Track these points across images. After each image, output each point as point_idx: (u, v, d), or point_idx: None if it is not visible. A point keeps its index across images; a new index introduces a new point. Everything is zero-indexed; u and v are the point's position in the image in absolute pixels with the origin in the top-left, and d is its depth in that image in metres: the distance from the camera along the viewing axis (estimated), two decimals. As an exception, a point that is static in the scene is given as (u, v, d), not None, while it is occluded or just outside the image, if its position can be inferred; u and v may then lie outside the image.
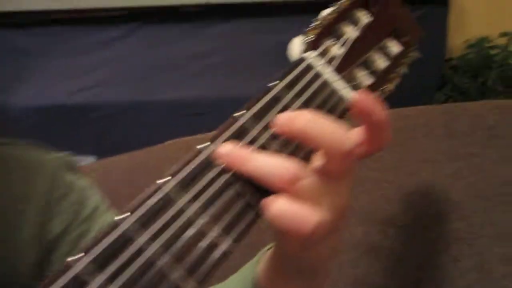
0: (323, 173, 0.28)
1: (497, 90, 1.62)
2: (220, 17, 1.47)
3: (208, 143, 0.28)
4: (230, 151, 0.27)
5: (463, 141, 0.74)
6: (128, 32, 1.47)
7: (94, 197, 0.50)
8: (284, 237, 0.31)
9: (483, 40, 1.59)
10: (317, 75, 0.33)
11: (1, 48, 1.43)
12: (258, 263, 0.39)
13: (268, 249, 0.39)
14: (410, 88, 1.54)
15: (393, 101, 0.91)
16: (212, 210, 0.26)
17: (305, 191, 0.27)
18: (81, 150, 0.54)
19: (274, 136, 0.29)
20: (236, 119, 0.29)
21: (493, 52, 1.58)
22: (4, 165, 0.46)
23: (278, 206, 0.26)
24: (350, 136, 0.29)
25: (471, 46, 1.62)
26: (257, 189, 0.27)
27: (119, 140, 1.42)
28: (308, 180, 0.27)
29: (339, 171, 0.28)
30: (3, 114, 1.38)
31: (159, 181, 0.25)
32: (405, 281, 0.64)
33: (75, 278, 0.22)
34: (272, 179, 0.26)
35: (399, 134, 0.78)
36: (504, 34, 1.57)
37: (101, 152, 0.95)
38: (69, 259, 0.22)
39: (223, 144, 0.27)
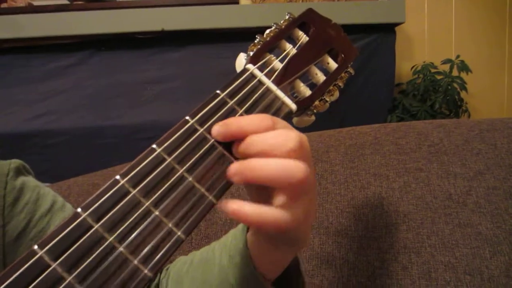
0: None
1: (444, 113, 1.71)
2: (175, 43, 1.49)
3: (155, 145, 0.30)
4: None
5: (411, 157, 0.77)
6: (83, 59, 1.46)
7: (49, 194, 0.52)
8: None
9: (428, 66, 1.69)
10: (260, 82, 0.36)
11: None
12: (245, 232, 0.43)
13: None
14: (364, 111, 1.61)
15: (349, 122, 0.95)
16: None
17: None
18: (37, 176, 0.54)
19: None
20: (186, 122, 0.31)
21: (438, 77, 1.68)
22: None
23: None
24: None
25: (417, 72, 1.70)
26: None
27: (75, 165, 1.39)
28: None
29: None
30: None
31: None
32: (358, 290, 0.66)
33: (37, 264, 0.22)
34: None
35: (351, 150, 0.81)
36: (446, 61, 1.67)
37: (58, 178, 0.94)
38: (29, 250, 0.23)
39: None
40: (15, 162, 0.53)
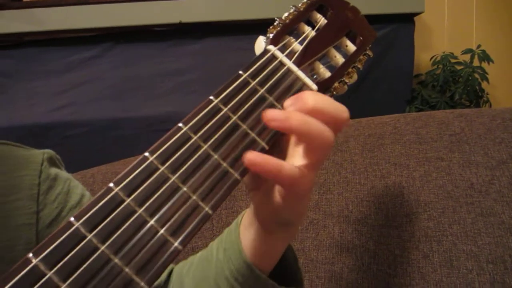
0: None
1: (464, 105, 1.68)
2: (192, 35, 1.50)
3: (181, 124, 0.31)
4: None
5: (431, 146, 0.77)
6: (103, 52, 1.48)
7: (79, 187, 0.54)
8: (269, 194, 0.36)
9: (448, 56, 1.66)
10: (281, 63, 0.37)
11: (-26, 71, 1.42)
12: (239, 225, 0.44)
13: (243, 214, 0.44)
14: (382, 102, 1.60)
15: (367, 114, 0.95)
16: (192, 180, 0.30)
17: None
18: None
19: (243, 117, 0.33)
20: (210, 101, 0.32)
21: (458, 67, 1.65)
22: None
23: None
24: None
25: (437, 62, 1.68)
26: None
27: (94, 156, 1.42)
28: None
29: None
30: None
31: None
32: (379, 277, 0.66)
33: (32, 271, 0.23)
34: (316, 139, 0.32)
35: (370, 140, 0.81)
36: (467, 51, 1.64)
37: (77, 168, 0.96)
38: (66, 222, 0.24)
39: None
40: (48, 153, 0.55)
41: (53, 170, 0.53)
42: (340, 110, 0.34)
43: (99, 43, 1.47)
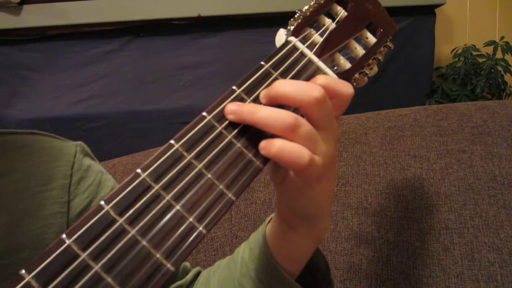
0: (311, 123, 0.33)
1: (485, 98, 1.65)
2: (211, 29, 1.50)
3: (205, 113, 0.32)
4: (238, 105, 0.32)
5: (452, 138, 0.76)
6: (123, 45, 1.50)
7: (111, 180, 0.56)
8: (285, 182, 0.36)
9: (470, 48, 1.63)
10: (302, 54, 0.37)
11: (0, 64, 1.46)
12: (265, 225, 0.44)
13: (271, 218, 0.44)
14: (401, 96, 1.58)
15: (386, 107, 0.94)
16: (216, 168, 0.30)
17: (302, 135, 0.31)
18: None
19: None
20: (233, 91, 0.32)
21: (480, 60, 1.62)
22: (30, 149, 0.51)
23: (279, 143, 0.31)
24: (315, 84, 0.33)
25: (458, 55, 1.65)
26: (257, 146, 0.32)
27: (115, 148, 1.45)
28: (304, 127, 0.31)
29: (319, 118, 0.33)
30: (2, 127, 1.40)
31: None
32: (398, 269, 0.66)
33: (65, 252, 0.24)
34: (277, 125, 0.31)
35: (390, 133, 0.80)
36: (490, 43, 1.61)
37: (100, 159, 0.98)
38: (96, 205, 0.25)
39: (230, 103, 0.32)
40: (80, 145, 0.56)
41: (86, 162, 0.55)
42: (345, 85, 0.35)
43: (119, 37, 1.49)
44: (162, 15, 1.46)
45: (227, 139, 0.31)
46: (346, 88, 0.35)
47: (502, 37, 1.61)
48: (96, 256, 0.25)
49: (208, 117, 0.31)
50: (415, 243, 0.67)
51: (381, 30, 0.44)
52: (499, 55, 1.59)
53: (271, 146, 0.30)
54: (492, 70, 1.57)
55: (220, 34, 1.52)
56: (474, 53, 1.62)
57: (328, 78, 0.34)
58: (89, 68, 1.48)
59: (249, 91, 0.34)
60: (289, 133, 0.31)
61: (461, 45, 1.66)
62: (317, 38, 0.41)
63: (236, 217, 0.79)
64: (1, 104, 1.44)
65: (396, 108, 0.87)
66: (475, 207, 0.68)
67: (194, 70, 1.52)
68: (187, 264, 0.58)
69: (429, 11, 1.57)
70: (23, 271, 0.23)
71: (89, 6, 1.42)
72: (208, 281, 0.51)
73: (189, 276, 0.55)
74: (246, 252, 0.45)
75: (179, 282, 0.53)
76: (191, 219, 0.28)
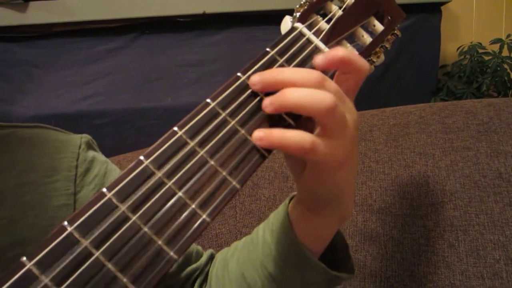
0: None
1: (491, 96, 1.64)
2: (215, 26, 1.50)
3: (209, 100, 0.32)
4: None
5: (458, 136, 0.75)
6: (128, 43, 1.50)
7: (116, 170, 0.55)
8: (306, 170, 0.36)
9: (476, 46, 1.62)
10: (308, 41, 0.36)
11: (5, 61, 1.46)
12: (286, 205, 0.44)
13: (291, 198, 0.44)
14: (406, 93, 1.57)
15: (391, 105, 0.93)
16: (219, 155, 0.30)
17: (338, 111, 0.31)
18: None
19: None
20: (238, 78, 0.32)
21: (486, 58, 1.60)
22: (34, 142, 0.51)
23: (277, 132, 0.31)
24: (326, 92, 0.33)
25: (464, 52, 1.64)
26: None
27: (119, 145, 1.45)
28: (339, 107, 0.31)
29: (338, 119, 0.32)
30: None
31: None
32: (403, 265, 0.66)
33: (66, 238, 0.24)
34: (316, 107, 0.31)
35: (395, 130, 0.80)
36: (496, 41, 1.59)
37: (105, 155, 0.99)
38: (99, 192, 0.25)
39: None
40: (85, 137, 0.56)
41: (91, 153, 0.54)
42: (363, 60, 0.35)
43: (124, 34, 1.49)
44: (167, 12, 1.46)
45: (231, 126, 0.31)
46: (365, 63, 0.35)
47: (509, 35, 1.60)
48: (99, 243, 0.25)
49: (212, 104, 0.31)
50: (420, 240, 0.67)
51: (389, 17, 0.43)
52: (505, 53, 1.58)
53: (270, 136, 0.31)
54: (498, 68, 1.56)
55: (225, 32, 1.52)
56: (480, 50, 1.61)
57: (348, 51, 0.33)
58: (94, 65, 1.48)
59: None
60: (330, 115, 0.30)
61: (467, 43, 1.65)
62: (324, 25, 0.40)
63: (240, 214, 0.78)
64: (6, 101, 1.44)
65: (401, 106, 0.87)
66: (480, 204, 0.68)
67: (199, 67, 1.52)
68: (199, 247, 0.58)
69: (435, 8, 1.56)
70: (24, 258, 0.23)
71: (94, 3, 1.43)
72: (225, 263, 0.51)
73: (203, 259, 0.55)
74: (267, 233, 0.45)
75: (193, 266, 0.54)
76: (193, 206, 0.27)
